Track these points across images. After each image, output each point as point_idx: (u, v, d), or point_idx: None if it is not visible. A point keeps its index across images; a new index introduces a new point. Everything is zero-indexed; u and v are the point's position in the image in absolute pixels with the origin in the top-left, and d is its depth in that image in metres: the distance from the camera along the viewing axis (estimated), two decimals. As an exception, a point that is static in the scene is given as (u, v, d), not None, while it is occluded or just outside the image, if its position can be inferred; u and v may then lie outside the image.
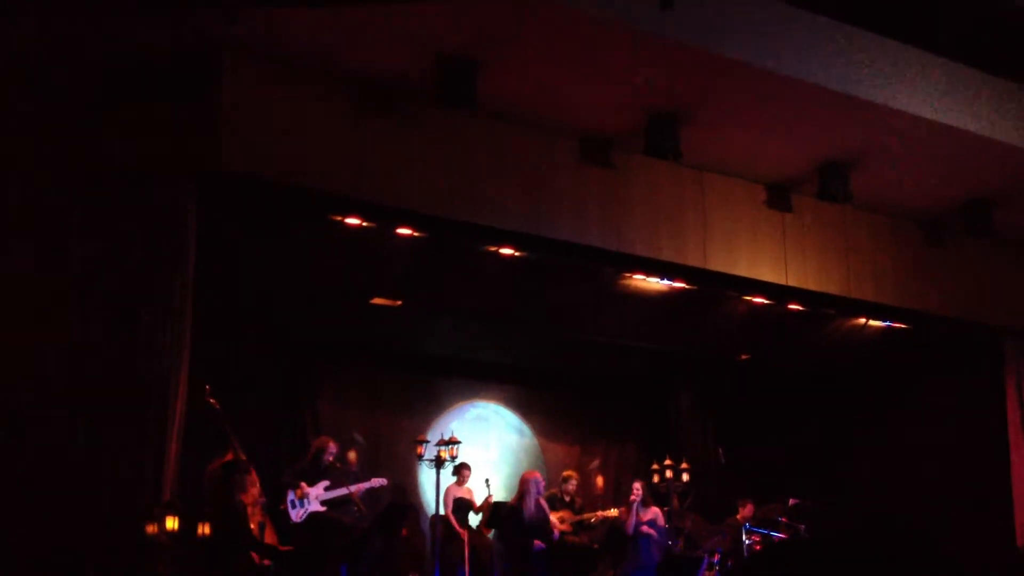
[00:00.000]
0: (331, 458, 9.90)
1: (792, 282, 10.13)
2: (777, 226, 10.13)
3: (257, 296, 10.08)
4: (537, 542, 10.52)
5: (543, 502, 10.75)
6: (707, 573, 10.54)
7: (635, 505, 10.79)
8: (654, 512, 10.90)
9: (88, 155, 7.52)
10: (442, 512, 10.93)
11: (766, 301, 10.61)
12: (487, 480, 11.73)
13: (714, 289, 10.34)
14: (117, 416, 7.20)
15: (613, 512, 11.35)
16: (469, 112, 8.18)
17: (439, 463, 10.86)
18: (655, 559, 10.67)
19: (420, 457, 11.37)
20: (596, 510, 11.72)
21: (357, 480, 10.09)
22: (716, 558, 11.01)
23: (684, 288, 10.19)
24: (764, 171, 9.94)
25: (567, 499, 11.51)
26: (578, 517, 11.42)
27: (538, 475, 10.97)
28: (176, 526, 7.06)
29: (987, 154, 9.45)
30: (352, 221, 8.58)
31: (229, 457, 9.28)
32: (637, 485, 11.05)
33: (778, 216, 10.16)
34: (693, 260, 9.64)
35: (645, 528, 10.73)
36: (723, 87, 8.41)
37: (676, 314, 10.70)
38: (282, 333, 11.25)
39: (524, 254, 9.36)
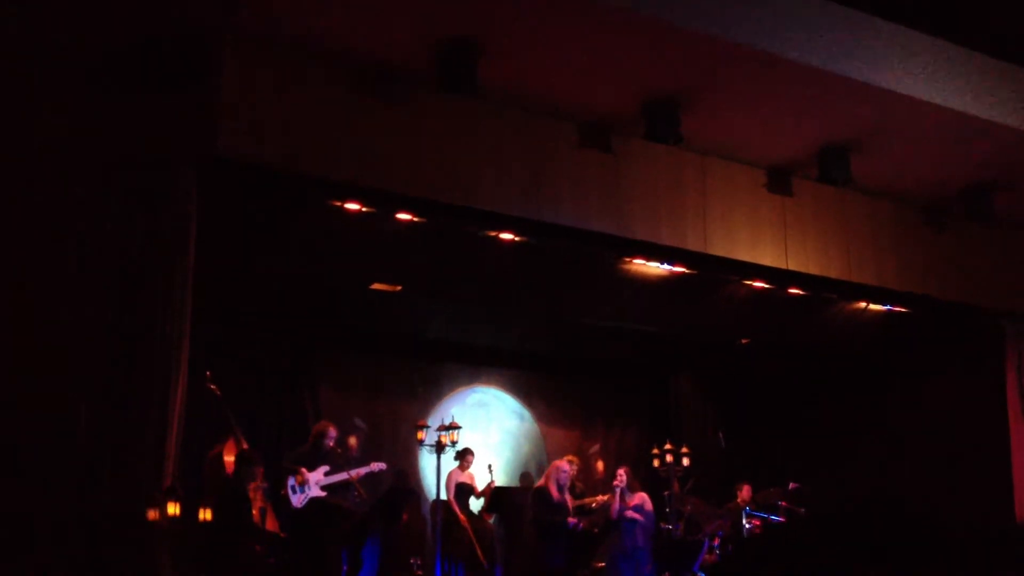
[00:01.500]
0: (332, 443, 9.92)
1: (792, 266, 10.11)
2: (778, 210, 10.11)
3: (257, 282, 10.08)
4: (571, 519, 10.77)
5: (567, 493, 10.93)
6: (707, 557, 10.57)
7: (618, 490, 10.82)
8: (641, 497, 10.88)
9: (89, 143, 7.50)
10: (443, 497, 10.96)
11: (767, 285, 10.60)
12: (490, 466, 11.77)
13: (714, 273, 10.32)
14: (118, 403, 7.19)
15: (600, 498, 11.39)
16: (469, 97, 8.15)
17: (439, 448, 10.90)
18: (639, 544, 10.69)
19: (421, 442, 11.40)
20: (596, 495, 11.76)
21: (357, 465, 10.11)
22: (716, 542, 11.04)
23: (684, 272, 10.18)
24: (764, 155, 9.92)
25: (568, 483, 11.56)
26: (579, 502, 11.46)
27: (565, 464, 11.07)
28: (177, 512, 7.07)
29: (988, 137, 9.43)
30: (352, 207, 8.56)
31: (231, 445, 9.34)
32: (621, 471, 11.06)
33: (779, 200, 10.14)
34: (693, 244, 9.62)
35: (629, 513, 10.73)
36: (723, 71, 8.38)
37: (677, 299, 10.69)
38: (282, 319, 11.26)
39: (524, 239, 9.34)
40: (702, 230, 9.66)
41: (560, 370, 13.67)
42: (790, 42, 8.22)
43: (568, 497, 10.94)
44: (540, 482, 11.13)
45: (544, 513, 10.65)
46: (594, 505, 11.49)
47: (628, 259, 9.96)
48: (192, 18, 7.41)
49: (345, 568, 9.64)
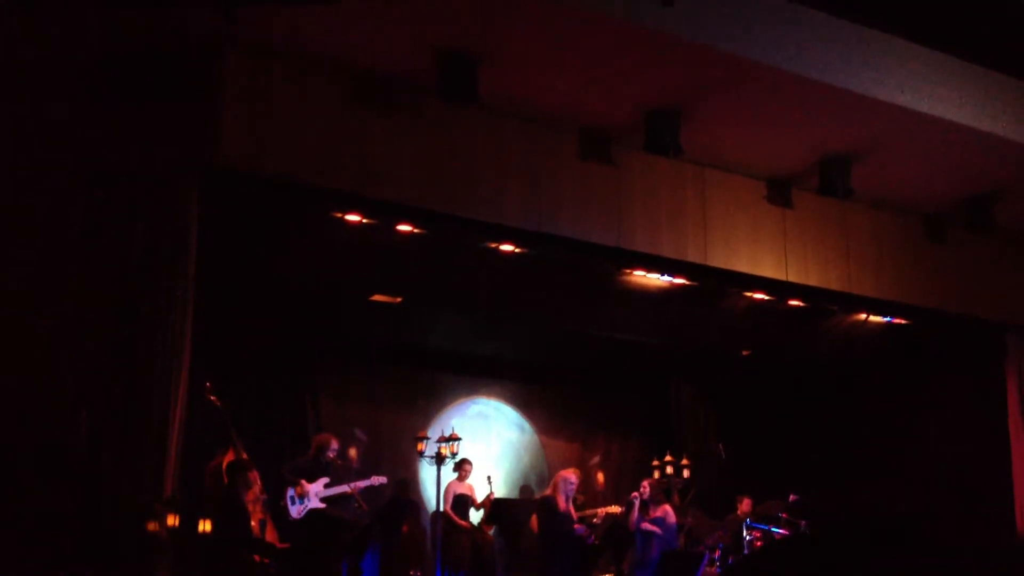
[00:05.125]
0: (333, 455, 9.90)
1: (793, 278, 10.11)
2: (778, 222, 10.12)
3: (258, 293, 10.08)
4: (578, 526, 10.72)
5: (570, 504, 10.85)
6: (708, 569, 10.53)
7: (636, 502, 10.76)
8: (664, 510, 10.78)
9: (89, 153, 7.50)
10: (443, 508, 10.94)
11: (767, 297, 10.60)
12: (489, 477, 11.75)
13: (715, 285, 10.32)
14: (118, 413, 7.19)
15: (614, 509, 11.34)
16: (470, 108, 8.16)
17: (440, 460, 10.88)
18: (654, 556, 10.60)
19: (421, 454, 11.37)
20: (597, 507, 11.71)
21: (357, 477, 10.09)
22: (717, 554, 11.00)
23: (685, 284, 10.18)
24: (765, 166, 9.93)
25: (569, 496, 11.52)
26: (580, 514, 11.42)
27: (572, 476, 10.95)
28: (177, 523, 7.05)
29: (989, 149, 9.44)
30: (353, 218, 8.57)
31: (231, 456, 9.31)
32: (645, 483, 11.00)
33: (779, 211, 10.14)
34: (694, 256, 9.62)
35: (646, 525, 10.69)
36: (724, 83, 8.39)
37: (677, 310, 10.69)
38: (283, 329, 11.25)
39: (524, 250, 9.35)
40: (702, 241, 9.67)
41: (560, 382, 13.65)
42: (791, 55, 8.23)
43: (572, 508, 10.89)
44: (547, 491, 11.05)
45: (550, 523, 10.61)
46: (595, 520, 11.45)
47: (628, 270, 9.97)
48: (193, 28, 7.43)
49: (345, 580, 9.62)
